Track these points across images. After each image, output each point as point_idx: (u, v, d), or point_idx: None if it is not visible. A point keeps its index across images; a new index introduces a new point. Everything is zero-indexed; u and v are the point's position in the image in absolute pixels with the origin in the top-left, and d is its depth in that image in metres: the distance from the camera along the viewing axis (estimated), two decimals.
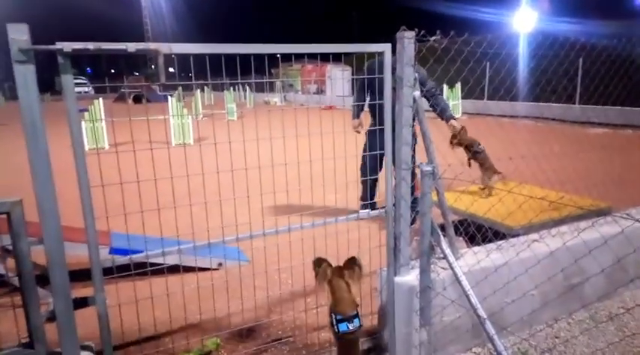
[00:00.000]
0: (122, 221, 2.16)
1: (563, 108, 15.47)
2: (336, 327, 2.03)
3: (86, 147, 7.48)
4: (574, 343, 2.62)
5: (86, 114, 10.09)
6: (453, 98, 15.91)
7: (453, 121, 4.48)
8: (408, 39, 2.11)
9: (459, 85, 15.87)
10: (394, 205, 2.30)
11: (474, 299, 2.05)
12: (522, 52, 16.54)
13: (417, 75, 2.19)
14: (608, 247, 2.28)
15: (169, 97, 11.52)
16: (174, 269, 3.10)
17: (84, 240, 1.94)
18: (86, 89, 37.12)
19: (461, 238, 2.99)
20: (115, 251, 3.22)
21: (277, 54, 2.03)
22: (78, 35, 1.58)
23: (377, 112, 4.53)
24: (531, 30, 18.57)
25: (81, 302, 1.77)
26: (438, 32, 2.42)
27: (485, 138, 4.73)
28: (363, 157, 4.60)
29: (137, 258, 1.98)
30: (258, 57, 1.99)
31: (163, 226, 2.23)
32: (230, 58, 1.96)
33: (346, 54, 4.70)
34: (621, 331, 2.74)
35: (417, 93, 2.19)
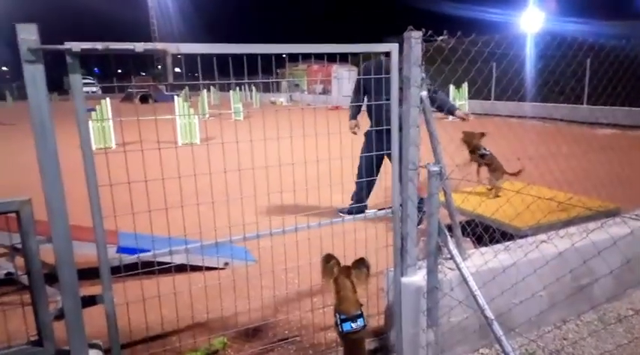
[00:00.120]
0: (129, 220, 2.17)
1: (571, 109, 15.37)
2: (340, 327, 2.03)
3: (93, 147, 7.52)
4: (582, 345, 2.60)
5: (93, 113, 10.16)
6: (460, 98, 15.84)
7: (458, 112, 4.49)
8: (415, 39, 2.11)
9: (465, 85, 15.80)
10: (401, 205, 2.30)
11: (482, 300, 2.03)
12: (530, 52, 16.45)
13: (424, 75, 2.19)
14: (617, 248, 2.26)
15: (176, 97, 11.57)
16: (181, 269, 3.11)
17: (91, 238, 1.95)
18: (94, 89, 37.36)
19: (468, 239, 2.98)
20: (122, 250, 3.23)
21: (283, 54, 2.04)
22: (85, 35, 1.59)
23: (373, 113, 4.58)
24: (539, 30, 18.46)
25: (89, 301, 1.78)
26: (445, 32, 2.41)
27: (493, 139, 4.70)
28: (361, 158, 4.63)
29: (145, 256, 1.99)
30: (265, 57, 1.99)
31: (171, 225, 2.24)
32: (236, 58, 1.97)
33: (353, 54, 4.70)
34: (630, 333, 2.72)
35: (425, 93, 2.18)
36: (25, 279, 3.24)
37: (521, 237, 2.95)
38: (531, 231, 3.16)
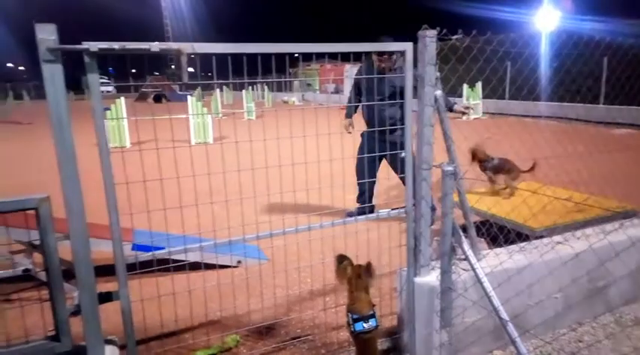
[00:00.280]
0: (144, 218, 2.19)
1: (588, 108, 15.13)
2: (352, 326, 2.03)
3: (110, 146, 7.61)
4: (598, 347, 2.56)
5: (108, 113, 10.28)
6: (474, 98, 15.70)
7: (457, 106, 4.42)
8: (429, 38, 2.09)
9: (479, 84, 15.65)
10: (414, 205, 2.29)
11: (496, 301, 2.02)
12: (545, 51, 16.24)
13: (438, 73, 2.17)
14: (635, 249, 2.23)
15: (189, 97, 11.65)
16: (195, 267, 3.14)
17: (107, 236, 1.97)
18: (109, 88, 37.82)
19: (482, 239, 2.95)
20: (136, 247, 3.27)
21: (295, 54, 2.04)
22: (97, 36, 1.61)
23: (365, 114, 4.60)
24: (554, 29, 18.22)
25: (105, 297, 1.80)
26: (459, 31, 2.39)
27: (508, 139, 4.66)
28: (358, 159, 4.65)
29: (159, 254, 2.01)
30: (277, 57, 1.99)
31: (184, 224, 2.26)
32: (249, 58, 1.97)
33: (365, 53, 4.71)
34: None
35: (439, 92, 2.17)
36: (42, 276, 3.31)
37: (537, 238, 2.92)
38: (547, 232, 3.12)
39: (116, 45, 1.57)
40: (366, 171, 4.61)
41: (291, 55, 2.00)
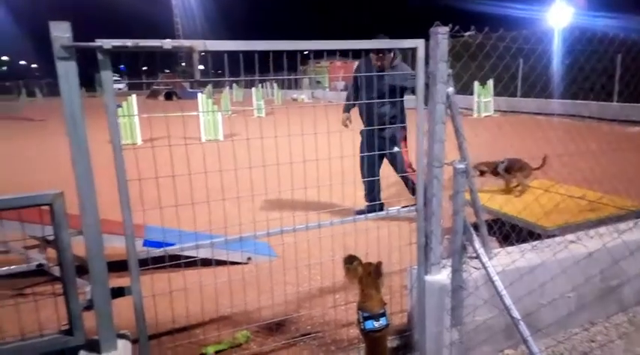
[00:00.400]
0: (155, 214, 2.21)
1: (601, 106, 14.92)
2: (362, 324, 2.03)
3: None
4: (611, 347, 2.54)
5: (119, 110, 10.34)
6: (485, 95, 15.56)
7: None
8: (441, 34, 2.08)
9: (491, 82, 15.50)
10: (425, 203, 2.28)
11: (508, 300, 2.00)
12: (558, 48, 16.04)
13: (450, 70, 2.16)
14: None
15: (199, 94, 11.70)
16: (205, 263, 3.16)
17: (119, 231, 1.98)
18: (120, 86, 38.12)
19: (493, 238, 2.93)
20: (148, 243, 3.30)
21: (305, 51, 2.04)
22: (107, 34, 1.61)
23: (364, 112, 4.62)
24: (567, 25, 17.98)
25: (118, 292, 1.82)
26: (472, 28, 2.37)
27: (520, 137, 4.62)
28: (361, 157, 4.69)
29: (171, 250, 2.02)
30: (287, 55, 2.00)
31: (194, 220, 2.27)
32: (260, 55, 1.98)
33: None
34: None
35: (451, 89, 2.15)
36: (55, 271, 3.35)
37: (549, 237, 2.89)
38: (559, 231, 3.09)
39: (129, 42, 1.58)
40: (365, 168, 4.67)
41: (302, 52, 2.00)
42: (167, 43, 1.63)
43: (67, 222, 1.66)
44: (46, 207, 1.66)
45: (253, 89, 17.85)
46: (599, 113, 14.77)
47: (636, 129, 12.07)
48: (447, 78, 2.12)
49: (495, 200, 3.83)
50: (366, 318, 1.99)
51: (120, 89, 35.98)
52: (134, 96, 10.73)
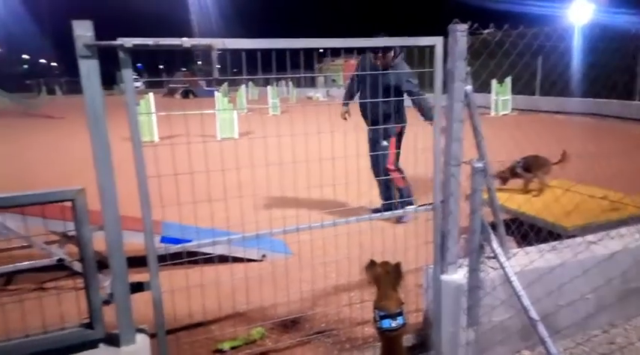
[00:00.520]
0: (171, 211, 2.23)
1: (623, 105, 14.60)
2: (379, 323, 2.02)
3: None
4: (631, 349, 2.49)
5: (137, 108, 10.44)
6: (503, 93, 15.36)
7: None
8: (460, 32, 2.06)
9: (509, 80, 15.28)
10: (442, 202, 2.26)
11: (526, 301, 1.98)
12: (578, 45, 15.73)
13: (469, 68, 2.14)
14: None
15: (216, 92, 11.78)
16: (222, 259, 3.19)
17: (136, 228, 2.01)
18: (138, 84, 38.55)
19: (511, 238, 2.90)
20: (165, 239, 3.34)
21: (320, 49, 2.04)
22: (123, 33, 1.63)
23: (363, 110, 4.63)
24: (588, 22, 17.62)
25: (137, 287, 1.84)
26: (491, 25, 2.34)
27: (539, 136, 4.55)
28: (370, 157, 4.73)
29: (188, 246, 2.04)
30: (299, 53, 2.00)
31: (210, 217, 2.29)
32: (276, 53, 1.98)
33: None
34: None
35: (469, 87, 2.13)
36: (75, 265, 3.41)
37: (569, 237, 2.85)
38: (579, 232, 3.04)
39: (150, 41, 1.60)
40: (374, 167, 4.68)
41: (318, 50, 2.00)
42: (187, 42, 1.65)
43: (88, 218, 1.69)
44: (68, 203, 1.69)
45: (269, 87, 17.91)
46: (621, 112, 14.46)
47: None
48: (465, 76, 2.10)
49: (514, 199, 3.79)
50: (382, 317, 1.99)
51: (137, 87, 36.35)
52: (151, 94, 10.85)
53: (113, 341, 1.81)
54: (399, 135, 4.66)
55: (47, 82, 37.87)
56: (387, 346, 2.09)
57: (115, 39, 1.59)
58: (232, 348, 2.54)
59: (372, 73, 4.36)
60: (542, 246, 2.62)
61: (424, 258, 2.49)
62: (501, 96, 15.25)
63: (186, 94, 30.64)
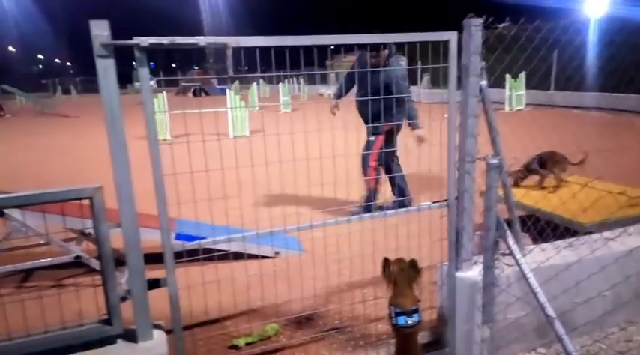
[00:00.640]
0: (186, 208, 2.25)
1: None
2: (394, 320, 2.02)
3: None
4: None
5: None
6: (517, 89, 15.18)
7: (418, 131, 4.44)
8: (475, 26, 2.04)
9: (523, 75, 15.08)
10: (457, 198, 2.25)
11: (543, 298, 1.96)
12: (594, 39, 15.45)
13: (484, 63, 2.12)
14: None
15: (228, 90, 11.82)
16: (236, 256, 3.21)
17: (151, 225, 2.03)
18: (151, 83, 38.81)
19: (526, 234, 2.87)
20: (179, 236, 3.37)
21: (332, 46, 2.04)
22: (135, 32, 1.65)
23: (358, 108, 4.61)
24: (604, 15, 17.29)
25: (154, 284, 1.87)
26: (507, 19, 2.31)
27: (556, 131, 4.49)
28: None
29: (204, 243, 2.06)
30: (311, 50, 2.00)
31: (223, 214, 2.30)
32: (286, 51, 1.99)
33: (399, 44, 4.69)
34: None
35: (484, 82, 2.11)
36: (91, 262, 3.46)
37: (586, 234, 2.81)
38: (596, 228, 3.00)
39: (165, 40, 1.61)
40: (389, 163, 4.70)
41: (331, 47, 2.00)
42: (202, 41, 1.66)
43: (105, 216, 1.71)
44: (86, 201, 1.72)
45: (280, 85, 17.93)
46: (638, 106, 14.18)
47: None
48: (480, 71, 2.08)
49: (530, 196, 3.75)
50: (398, 314, 1.99)
51: (151, 86, 36.57)
52: (164, 93, 10.94)
53: (131, 336, 1.84)
54: (389, 134, 4.59)
55: (62, 82, 38.38)
56: (402, 343, 2.09)
57: (123, 38, 1.61)
58: (247, 344, 2.56)
59: (366, 71, 4.34)
60: (559, 242, 2.59)
61: (438, 255, 2.48)
62: (515, 92, 15.07)
63: (197, 93, 30.81)
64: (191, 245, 2.04)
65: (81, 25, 1.58)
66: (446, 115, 2.21)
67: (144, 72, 1.66)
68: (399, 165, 4.81)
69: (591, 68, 15.19)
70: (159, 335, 1.88)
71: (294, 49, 1.98)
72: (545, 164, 4.04)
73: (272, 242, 3.69)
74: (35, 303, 2.22)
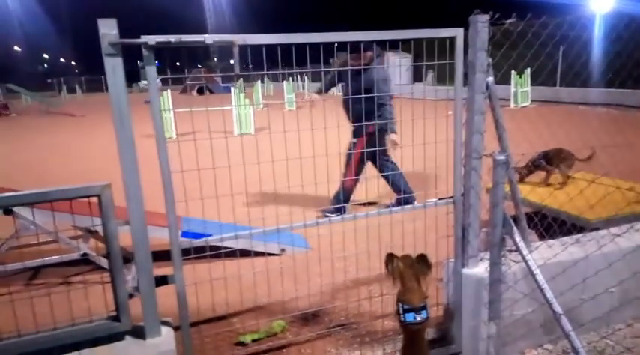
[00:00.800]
0: (192, 206, 2.26)
1: None
2: (402, 316, 2.02)
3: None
4: None
5: None
6: (522, 85, 15.10)
7: (393, 135, 4.44)
8: (481, 23, 2.04)
9: (528, 71, 14.99)
10: (463, 195, 2.25)
11: (550, 294, 1.96)
12: (600, 34, 15.32)
13: (490, 59, 2.11)
14: None
15: (232, 88, 11.82)
16: (243, 254, 3.22)
17: (155, 222, 2.04)
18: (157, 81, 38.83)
19: (533, 231, 2.87)
20: (185, 234, 3.39)
21: (336, 42, 2.04)
22: (139, 32, 1.65)
23: (345, 108, 4.56)
24: (610, 11, 17.15)
25: (161, 280, 1.88)
26: (513, 15, 2.31)
27: (562, 128, 4.46)
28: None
29: (211, 240, 2.07)
30: (316, 47, 2.01)
31: (230, 211, 2.32)
32: (289, 49, 1.99)
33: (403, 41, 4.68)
34: None
35: (491, 79, 2.11)
36: (98, 259, 3.48)
37: (592, 230, 2.80)
38: (603, 224, 2.99)
39: (172, 38, 1.62)
40: (382, 167, 4.69)
41: (335, 44, 2.00)
42: (209, 39, 1.67)
43: (114, 213, 1.72)
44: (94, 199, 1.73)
45: (284, 83, 17.91)
46: None
47: None
48: (486, 67, 2.08)
49: (537, 192, 3.74)
50: (406, 310, 1.98)
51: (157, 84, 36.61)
52: (169, 91, 10.97)
53: (139, 333, 1.86)
54: (371, 136, 4.48)
55: (67, 81, 38.52)
56: (409, 339, 2.09)
57: (127, 38, 1.61)
58: (254, 341, 2.58)
59: (348, 72, 4.35)
60: (566, 238, 2.59)
61: (444, 251, 2.48)
62: (520, 88, 15.01)
63: (201, 91, 30.84)
64: (198, 242, 2.05)
65: (86, 25, 1.59)
66: (450, 112, 2.21)
67: (151, 70, 1.67)
68: (393, 162, 4.75)
69: (598, 64, 15.06)
70: (167, 332, 1.90)
71: (301, 47, 1.98)
72: (552, 160, 4.02)
73: (278, 239, 3.71)
74: (44, 300, 2.24)
